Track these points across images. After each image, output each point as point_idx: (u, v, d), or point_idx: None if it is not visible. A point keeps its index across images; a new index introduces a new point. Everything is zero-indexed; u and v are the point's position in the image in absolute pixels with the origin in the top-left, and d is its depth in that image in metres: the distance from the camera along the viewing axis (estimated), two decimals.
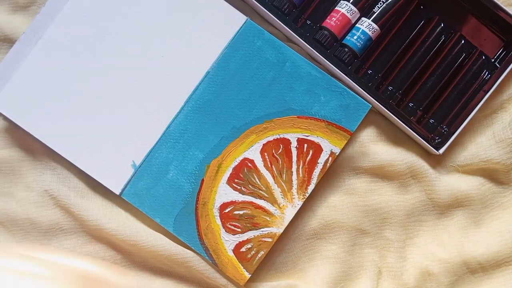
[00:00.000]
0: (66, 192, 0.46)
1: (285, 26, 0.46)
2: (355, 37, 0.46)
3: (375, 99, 0.46)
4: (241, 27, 0.46)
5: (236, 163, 0.46)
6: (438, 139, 0.46)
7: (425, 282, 0.47)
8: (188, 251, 0.46)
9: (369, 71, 0.47)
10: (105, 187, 0.46)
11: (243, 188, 0.46)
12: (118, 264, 0.47)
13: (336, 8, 0.46)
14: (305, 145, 0.46)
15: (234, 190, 0.46)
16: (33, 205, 0.47)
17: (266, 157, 0.46)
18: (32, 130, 0.45)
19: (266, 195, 0.46)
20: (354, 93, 0.46)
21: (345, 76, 0.46)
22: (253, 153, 0.46)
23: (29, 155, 0.47)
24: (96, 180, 0.46)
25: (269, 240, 0.46)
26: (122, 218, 0.46)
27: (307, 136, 0.46)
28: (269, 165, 0.46)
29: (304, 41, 0.46)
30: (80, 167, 0.46)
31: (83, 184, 0.47)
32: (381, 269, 0.48)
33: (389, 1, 0.46)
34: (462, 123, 0.46)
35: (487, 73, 0.46)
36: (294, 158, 0.46)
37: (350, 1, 0.46)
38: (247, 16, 0.47)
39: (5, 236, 0.47)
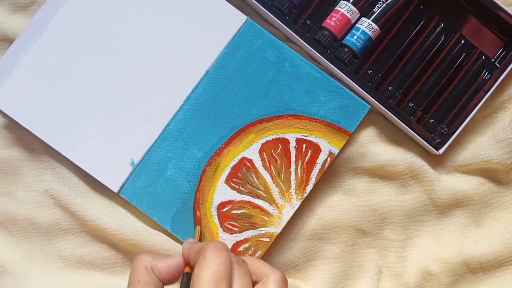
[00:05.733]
0: (66, 192, 0.46)
1: (285, 26, 0.46)
2: (355, 37, 0.46)
3: (375, 99, 0.45)
4: (241, 26, 0.46)
5: (235, 163, 0.46)
6: (438, 139, 0.46)
7: (426, 282, 0.47)
8: None
9: (369, 71, 0.47)
10: (105, 186, 0.46)
11: (241, 188, 0.46)
12: (119, 264, 0.47)
13: (336, 8, 0.46)
14: (304, 145, 0.46)
15: (232, 189, 0.46)
16: (33, 205, 0.46)
17: (265, 156, 0.46)
18: (30, 127, 0.45)
19: (264, 194, 0.46)
20: (353, 94, 0.46)
21: (345, 76, 0.45)
22: (252, 152, 0.46)
23: (29, 154, 0.47)
24: (95, 180, 0.46)
25: (267, 240, 0.45)
26: (122, 217, 0.46)
27: (306, 136, 0.46)
28: (268, 165, 0.46)
29: (304, 41, 0.46)
30: (78, 164, 0.46)
31: (83, 183, 0.47)
32: (382, 268, 0.47)
33: (389, 1, 0.46)
34: (462, 123, 0.45)
35: (487, 73, 0.46)
36: (293, 158, 0.46)
37: (350, 1, 0.46)
38: (247, 15, 0.47)
39: (5, 236, 0.47)
